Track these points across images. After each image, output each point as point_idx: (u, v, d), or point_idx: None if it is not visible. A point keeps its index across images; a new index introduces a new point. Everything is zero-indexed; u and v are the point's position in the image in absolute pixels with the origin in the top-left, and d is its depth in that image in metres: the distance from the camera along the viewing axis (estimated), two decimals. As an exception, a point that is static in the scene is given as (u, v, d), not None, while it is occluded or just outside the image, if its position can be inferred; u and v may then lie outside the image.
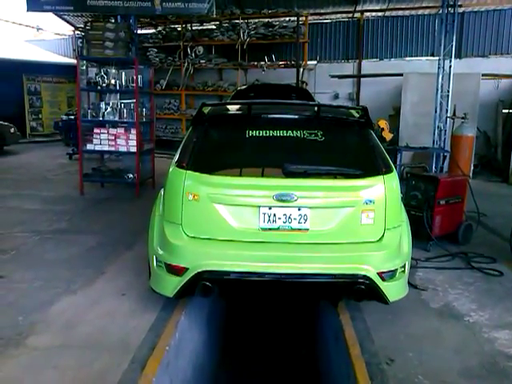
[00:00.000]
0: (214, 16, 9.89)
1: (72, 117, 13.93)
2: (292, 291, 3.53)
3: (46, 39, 21.67)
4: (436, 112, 8.75)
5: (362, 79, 14.41)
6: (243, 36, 14.29)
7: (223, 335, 4.86)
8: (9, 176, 10.23)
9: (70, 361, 3.14)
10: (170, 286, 3.47)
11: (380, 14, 14.72)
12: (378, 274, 3.38)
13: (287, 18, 14.40)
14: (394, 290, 3.54)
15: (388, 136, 11.89)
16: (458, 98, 9.81)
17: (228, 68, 15.43)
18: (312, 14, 14.87)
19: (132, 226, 6.26)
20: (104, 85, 8.07)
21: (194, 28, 15.69)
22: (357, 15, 14.86)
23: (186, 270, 3.36)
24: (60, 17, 16.90)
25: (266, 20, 14.52)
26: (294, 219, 3.35)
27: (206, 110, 3.81)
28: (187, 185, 3.39)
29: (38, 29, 22.85)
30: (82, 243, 5.58)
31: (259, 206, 3.34)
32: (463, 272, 5.03)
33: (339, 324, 3.78)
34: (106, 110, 8.13)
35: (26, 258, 5.12)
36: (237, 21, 14.68)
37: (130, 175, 8.49)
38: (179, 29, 15.51)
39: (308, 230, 3.36)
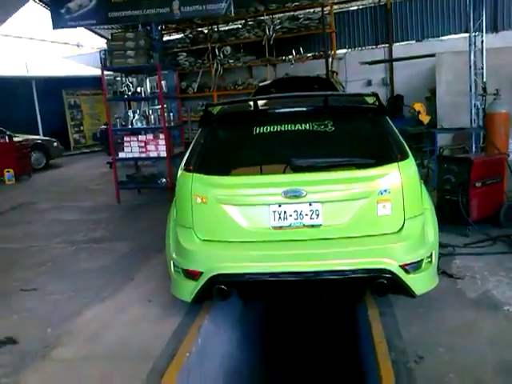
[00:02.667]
0: (233, 15, 9.82)
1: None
2: (310, 289, 3.41)
3: (83, 53, 22.40)
4: (471, 90, 8.29)
5: (394, 63, 13.96)
6: (269, 32, 14.17)
7: (259, 335, 4.77)
8: (52, 189, 10.62)
9: (93, 372, 3.16)
10: (188, 290, 3.44)
11: (408, -6, 14.20)
12: (400, 266, 3.20)
13: (312, 10, 14.15)
14: (421, 282, 3.35)
15: (425, 119, 11.45)
16: (496, 73, 9.34)
17: (257, 65, 15.36)
18: (337, 3, 14.60)
19: (163, 229, 6.27)
20: (129, 93, 8.19)
21: (220, 29, 15.74)
22: (383, -1, 14.42)
23: (200, 274, 3.31)
24: (92, 31, 17.39)
25: (291, 13, 14.35)
26: (306, 215, 3.23)
27: (214, 110, 3.76)
28: (194, 188, 3.34)
29: (79, 45, 23.74)
30: (115, 250, 5.68)
31: (269, 204, 3.25)
32: (505, 257, 4.72)
33: (367, 320, 3.63)
34: (133, 117, 8.24)
35: (61, 269, 5.25)
36: (261, 17, 14.59)
37: (163, 180, 8.57)
38: (206, 31, 15.59)
39: (321, 225, 3.23)
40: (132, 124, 8.26)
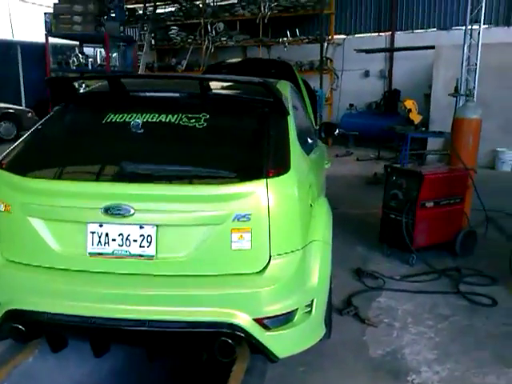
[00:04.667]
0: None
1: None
2: (134, 341, 2.59)
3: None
4: (460, 89, 7.28)
5: (395, 54, 12.86)
6: (264, 9, 13.18)
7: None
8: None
9: None
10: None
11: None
12: (256, 320, 2.36)
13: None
14: (287, 342, 2.49)
15: (416, 118, 10.48)
16: (505, 72, 8.53)
17: (250, 45, 14.44)
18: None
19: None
20: (76, 65, 7.37)
21: (215, 3, 14.81)
22: (391, -19, 13.25)
23: (-1, 305, 2.52)
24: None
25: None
26: (134, 241, 2.38)
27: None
28: None
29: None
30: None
31: (86, 223, 2.41)
32: (444, 298, 3.85)
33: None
34: (79, 92, 7.42)
35: None
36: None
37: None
38: (201, 5, 14.69)
39: (154, 256, 2.39)
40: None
